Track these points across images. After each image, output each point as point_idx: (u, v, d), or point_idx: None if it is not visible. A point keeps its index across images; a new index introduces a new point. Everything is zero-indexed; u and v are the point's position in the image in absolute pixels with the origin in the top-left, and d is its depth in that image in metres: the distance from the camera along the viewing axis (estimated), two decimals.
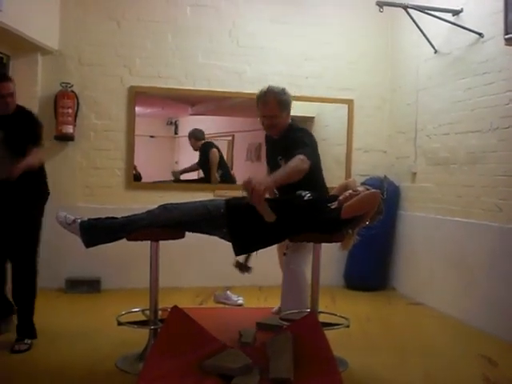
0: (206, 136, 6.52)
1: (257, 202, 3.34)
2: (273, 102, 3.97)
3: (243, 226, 3.54)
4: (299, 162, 3.61)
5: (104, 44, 5.93)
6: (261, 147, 6.59)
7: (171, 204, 3.73)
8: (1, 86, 3.91)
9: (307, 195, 3.70)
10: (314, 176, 3.92)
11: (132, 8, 5.99)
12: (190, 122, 6.61)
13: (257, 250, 4.11)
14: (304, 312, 3.96)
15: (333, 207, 3.62)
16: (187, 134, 6.54)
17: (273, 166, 4.15)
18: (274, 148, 4.27)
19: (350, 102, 6.51)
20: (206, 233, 3.66)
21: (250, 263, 4.56)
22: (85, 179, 5.95)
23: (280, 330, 3.73)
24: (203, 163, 6.56)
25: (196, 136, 6.54)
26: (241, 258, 4.68)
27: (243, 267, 4.73)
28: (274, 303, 5.13)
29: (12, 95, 3.94)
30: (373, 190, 3.66)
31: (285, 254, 4.32)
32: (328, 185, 4.37)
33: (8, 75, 4.16)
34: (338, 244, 3.75)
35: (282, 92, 4.02)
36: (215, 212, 3.50)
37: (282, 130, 4.10)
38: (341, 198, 3.65)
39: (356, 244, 3.80)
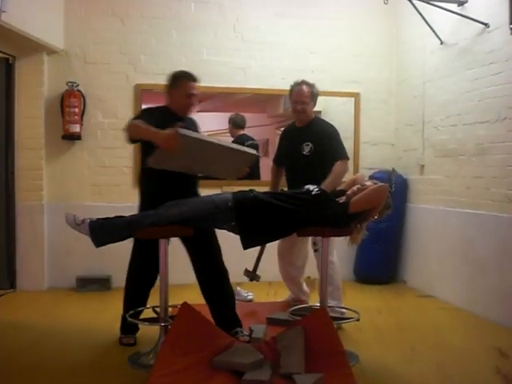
0: (214, 133, 6.43)
1: None
2: (306, 91, 4.56)
3: (251, 219, 3.54)
4: (340, 169, 4.39)
5: (108, 42, 5.94)
6: (268, 143, 6.58)
7: (179, 200, 3.73)
8: (191, 86, 3.98)
9: (315, 189, 3.69)
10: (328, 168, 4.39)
11: (136, 5, 5.99)
12: (196, 119, 6.59)
13: (265, 242, 4.12)
14: (314, 307, 3.96)
15: (341, 202, 3.62)
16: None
17: (293, 153, 4.63)
18: (297, 136, 4.66)
19: (356, 96, 6.49)
20: (214, 227, 3.67)
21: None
22: (92, 178, 5.96)
23: (290, 324, 3.73)
24: None
25: (234, 122, 6.43)
26: (248, 268, 4.92)
27: (252, 275, 4.86)
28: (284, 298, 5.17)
29: (196, 96, 4.01)
30: (380, 184, 3.66)
31: (316, 251, 4.44)
32: None
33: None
34: (347, 238, 3.75)
35: (313, 85, 4.63)
36: (223, 206, 3.50)
37: (308, 119, 4.64)
38: (349, 192, 3.65)
39: (364, 238, 3.79)
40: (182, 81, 3.98)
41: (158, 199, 3.64)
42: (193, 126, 4.12)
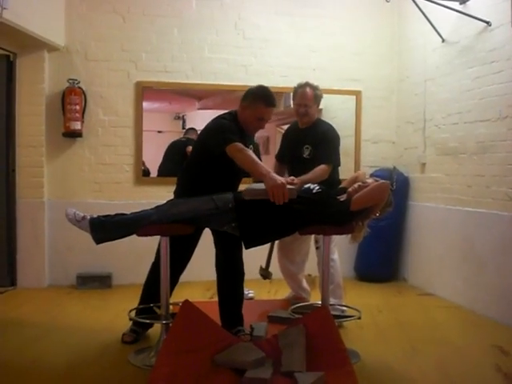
0: None
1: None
2: (310, 93, 4.54)
3: (252, 220, 3.53)
4: (322, 172, 4.33)
5: (110, 39, 5.92)
6: (269, 141, 6.57)
7: (180, 199, 3.73)
8: (267, 111, 3.84)
9: (316, 188, 3.69)
10: (330, 173, 4.45)
11: (137, 2, 5.98)
12: (197, 117, 6.59)
13: (266, 242, 4.11)
14: (316, 304, 3.96)
15: (342, 199, 3.62)
16: None
17: (294, 155, 4.65)
18: (299, 138, 4.65)
19: (357, 93, 6.49)
20: (215, 227, 3.66)
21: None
22: (93, 175, 5.96)
23: (291, 322, 3.73)
24: None
25: None
26: (262, 266, 4.99)
27: (265, 273, 4.87)
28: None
29: (267, 121, 3.94)
30: (382, 181, 3.65)
31: (318, 248, 4.52)
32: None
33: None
34: (349, 236, 3.75)
35: (317, 88, 4.61)
36: (223, 207, 3.49)
37: (311, 121, 4.62)
38: (350, 190, 3.65)
39: (366, 236, 3.79)
40: (259, 104, 3.80)
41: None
42: (252, 138, 4.15)
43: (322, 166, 4.38)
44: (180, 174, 4.12)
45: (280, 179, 3.42)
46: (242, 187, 3.90)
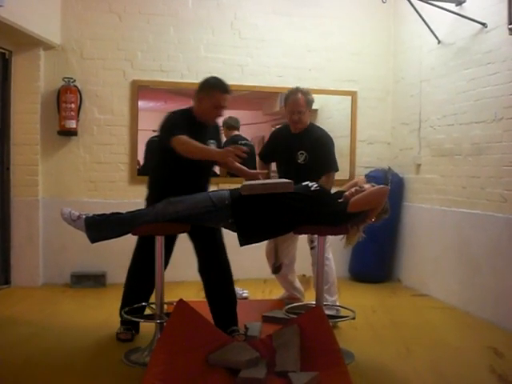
0: None
1: None
2: (302, 100, 4.51)
3: (249, 217, 3.53)
4: (332, 179, 4.50)
5: (105, 38, 5.91)
6: (264, 140, 6.57)
7: (175, 198, 3.72)
8: (224, 98, 3.85)
9: (314, 185, 3.69)
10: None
11: (133, 1, 5.97)
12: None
13: (263, 240, 4.11)
14: (310, 305, 3.97)
15: (340, 200, 3.62)
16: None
17: (288, 160, 4.60)
18: (292, 143, 4.60)
19: (353, 94, 6.49)
20: (211, 225, 3.65)
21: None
22: (88, 174, 5.95)
23: (286, 322, 3.73)
24: None
25: (227, 125, 6.29)
26: (275, 262, 4.84)
27: (277, 268, 4.85)
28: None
29: (225, 108, 3.94)
30: (381, 186, 3.65)
31: (312, 248, 4.47)
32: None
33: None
34: (343, 241, 3.75)
35: (308, 93, 4.59)
36: (220, 204, 3.49)
37: (304, 126, 4.59)
38: (346, 193, 3.64)
39: (360, 241, 3.78)
40: (215, 91, 3.83)
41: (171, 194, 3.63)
42: (216, 132, 4.16)
43: (327, 175, 4.47)
44: (148, 178, 4.09)
45: (221, 150, 3.64)
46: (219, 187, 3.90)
